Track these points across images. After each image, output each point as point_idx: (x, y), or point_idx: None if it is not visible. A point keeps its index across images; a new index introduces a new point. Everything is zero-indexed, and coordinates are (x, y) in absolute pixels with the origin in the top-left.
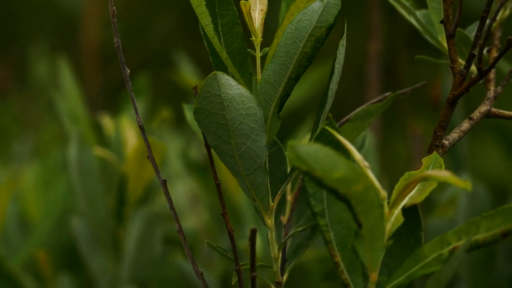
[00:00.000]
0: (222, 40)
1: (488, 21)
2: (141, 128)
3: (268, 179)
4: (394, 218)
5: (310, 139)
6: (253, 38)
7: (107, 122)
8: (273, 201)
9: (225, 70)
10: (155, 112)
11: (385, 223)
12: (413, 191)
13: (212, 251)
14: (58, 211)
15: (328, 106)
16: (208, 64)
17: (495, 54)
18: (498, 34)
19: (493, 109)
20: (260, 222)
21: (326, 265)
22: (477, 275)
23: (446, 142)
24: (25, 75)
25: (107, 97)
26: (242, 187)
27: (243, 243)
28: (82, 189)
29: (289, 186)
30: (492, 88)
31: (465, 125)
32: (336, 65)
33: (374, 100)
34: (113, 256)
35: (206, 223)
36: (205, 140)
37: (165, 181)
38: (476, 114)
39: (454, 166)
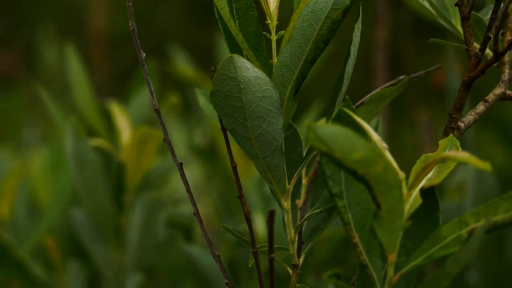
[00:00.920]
0: (237, 24)
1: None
2: (156, 111)
3: (284, 162)
4: (412, 199)
5: (327, 121)
6: (269, 21)
7: (113, 109)
8: (289, 184)
9: (240, 54)
10: (161, 98)
11: (404, 204)
12: (430, 173)
13: (217, 236)
14: (66, 198)
15: (344, 88)
16: (210, 53)
17: (509, 36)
18: (511, 17)
19: (508, 91)
20: (267, 207)
21: (333, 245)
22: (487, 261)
23: (462, 125)
24: (34, 62)
25: (113, 84)
26: (258, 169)
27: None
28: (80, 179)
29: (304, 170)
30: (507, 70)
31: (480, 107)
32: (352, 48)
33: (388, 84)
34: (116, 244)
35: (213, 208)
36: (221, 123)
37: (181, 164)
38: (491, 97)
39: None
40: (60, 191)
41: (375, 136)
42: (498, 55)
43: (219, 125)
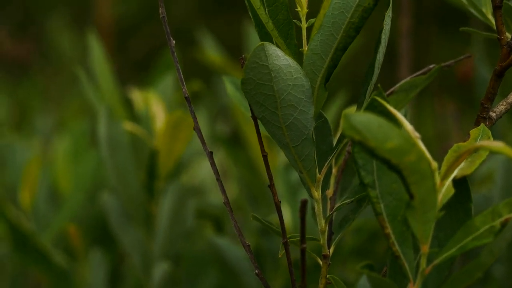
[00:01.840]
0: (267, 11)
1: None
2: (187, 99)
3: (315, 151)
4: (445, 189)
5: (357, 110)
6: (299, 8)
7: (136, 97)
8: (319, 173)
9: (270, 41)
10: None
11: (437, 194)
12: (463, 163)
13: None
14: (88, 185)
15: (375, 77)
16: (224, 43)
17: None
18: None
19: None
20: (292, 198)
21: (361, 237)
22: None
23: (493, 114)
24: (47, 49)
25: (128, 73)
26: (289, 158)
27: (273, 217)
28: (112, 164)
29: (333, 160)
30: None
31: None
32: (383, 36)
33: (418, 73)
34: (145, 231)
35: (236, 196)
36: (251, 111)
37: (211, 152)
38: None
39: None
40: (82, 178)
41: (408, 126)
42: None
43: (248, 114)
